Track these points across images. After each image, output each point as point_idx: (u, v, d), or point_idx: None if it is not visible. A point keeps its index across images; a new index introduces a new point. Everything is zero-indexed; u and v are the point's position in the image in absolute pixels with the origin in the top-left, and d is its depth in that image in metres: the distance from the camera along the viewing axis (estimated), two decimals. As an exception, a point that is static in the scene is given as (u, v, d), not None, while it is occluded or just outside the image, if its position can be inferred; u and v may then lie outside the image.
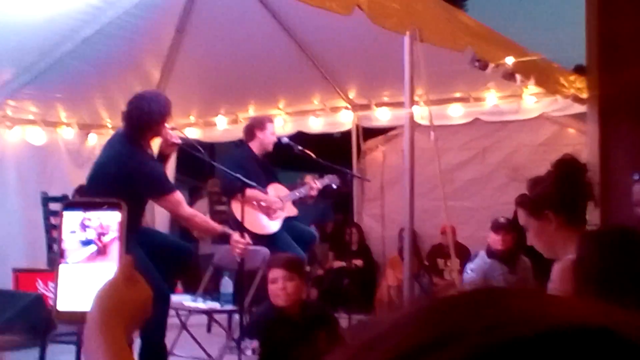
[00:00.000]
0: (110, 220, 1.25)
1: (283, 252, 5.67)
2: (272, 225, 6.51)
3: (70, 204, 1.29)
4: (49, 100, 8.33)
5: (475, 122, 8.65)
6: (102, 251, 1.24)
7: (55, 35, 6.77)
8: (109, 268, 1.22)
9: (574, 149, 8.24)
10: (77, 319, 1.20)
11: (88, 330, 1.11)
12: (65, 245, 1.24)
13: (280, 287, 4.33)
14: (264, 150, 6.70)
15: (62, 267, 1.24)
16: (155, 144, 5.44)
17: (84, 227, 1.24)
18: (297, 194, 6.84)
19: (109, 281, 1.17)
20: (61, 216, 1.26)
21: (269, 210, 6.49)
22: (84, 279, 1.23)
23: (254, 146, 6.66)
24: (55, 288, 1.24)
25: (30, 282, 7.25)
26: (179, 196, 5.19)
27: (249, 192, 5.99)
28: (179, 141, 5.37)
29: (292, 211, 6.75)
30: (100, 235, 1.25)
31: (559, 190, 2.73)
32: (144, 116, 4.95)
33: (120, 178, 4.80)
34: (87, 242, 1.24)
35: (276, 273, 4.39)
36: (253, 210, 6.28)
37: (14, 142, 8.53)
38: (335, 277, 8.57)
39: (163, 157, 5.36)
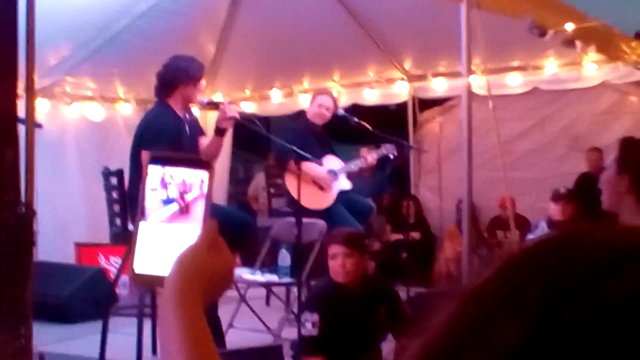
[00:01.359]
0: (194, 178, 1.19)
1: (341, 226, 5.66)
2: (326, 200, 6.48)
3: (155, 158, 1.21)
4: (107, 76, 8.43)
5: (534, 91, 8.51)
6: (184, 210, 1.18)
7: (112, 12, 6.83)
8: (191, 230, 1.16)
9: (636, 118, 8.08)
10: (154, 283, 1.14)
11: (164, 296, 1.06)
12: (147, 203, 1.18)
13: (339, 263, 4.29)
14: (317, 122, 6.68)
15: (141, 226, 1.18)
16: (212, 119, 5.47)
17: (164, 184, 1.18)
18: (353, 166, 6.79)
19: (191, 246, 1.10)
20: (146, 171, 1.19)
21: (321, 184, 6.47)
22: (164, 240, 1.17)
23: (310, 117, 6.68)
24: (134, 248, 1.17)
25: (92, 256, 7.38)
26: None
27: (302, 165, 6.00)
28: (237, 115, 5.38)
29: (347, 184, 6.71)
30: (182, 193, 1.18)
31: None
32: (170, 72, 5.27)
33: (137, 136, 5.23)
34: (168, 201, 1.18)
35: (335, 249, 4.35)
36: (307, 185, 6.20)
37: (73, 118, 8.66)
38: (393, 250, 8.53)
39: (220, 131, 5.37)
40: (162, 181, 1.19)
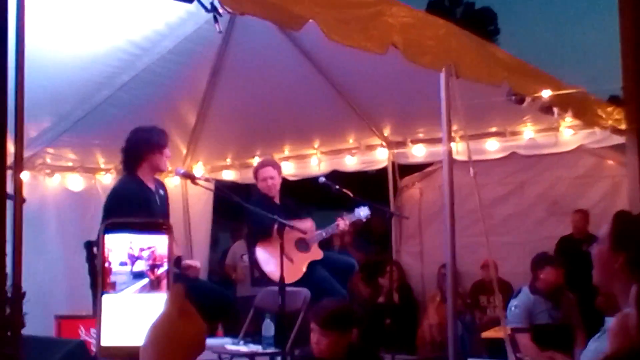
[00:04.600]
0: (163, 247, 1.15)
1: (324, 291, 5.65)
2: (295, 274, 6.37)
3: (109, 226, 1.15)
4: (87, 146, 8.42)
5: (512, 156, 8.59)
6: (154, 285, 1.14)
7: (93, 83, 6.85)
8: (159, 299, 1.13)
9: (614, 181, 8.16)
10: (123, 354, 1.12)
11: None
12: (116, 277, 1.14)
13: (314, 341, 4.29)
14: (270, 194, 6.67)
15: (105, 298, 1.14)
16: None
17: (133, 257, 1.14)
18: (324, 234, 6.73)
19: (162, 314, 1.09)
20: (102, 241, 1.14)
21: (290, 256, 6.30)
22: (130, 310, 1.14)
23: (262, 191, 6.70)
24: (99, 321, 1.14)
25: (73, 328, 7.26)
26: None
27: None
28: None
29: (318, 254, 6.61)
30: (152, 267, 1.14)
31: None
32: (133, 145, 5.52)
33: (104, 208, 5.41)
34: (138, 275, 1.14)
35: (313, 325, 4.35)
36: (276, 258, 5.89)
37: (53, 189, 8.62)
38: (376, 315, 8.49)
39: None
40: (130, 254, 1.15)
